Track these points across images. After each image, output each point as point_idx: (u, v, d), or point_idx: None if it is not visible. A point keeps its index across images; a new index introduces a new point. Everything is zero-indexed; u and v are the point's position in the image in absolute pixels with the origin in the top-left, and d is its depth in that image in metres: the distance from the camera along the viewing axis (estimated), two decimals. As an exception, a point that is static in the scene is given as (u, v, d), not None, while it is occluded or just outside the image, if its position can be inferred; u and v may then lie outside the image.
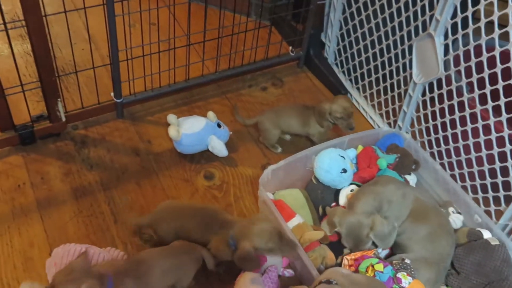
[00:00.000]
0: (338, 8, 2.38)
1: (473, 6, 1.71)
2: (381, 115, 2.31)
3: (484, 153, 1.81)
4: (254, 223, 1.53)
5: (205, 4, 2.08)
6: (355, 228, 1.64)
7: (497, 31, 1.63)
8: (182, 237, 1.58)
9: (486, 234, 1.71)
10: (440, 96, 1.95)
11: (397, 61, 2.11)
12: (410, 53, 2.02)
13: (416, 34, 1.97)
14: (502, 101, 1.68)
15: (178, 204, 1.69)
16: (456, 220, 1.81)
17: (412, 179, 1.99)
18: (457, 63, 1.84)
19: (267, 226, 1.52)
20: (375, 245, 1.65)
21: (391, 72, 2.17)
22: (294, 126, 2.10)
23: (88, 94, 2.22)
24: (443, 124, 1.96)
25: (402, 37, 2.05)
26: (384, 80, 2.22)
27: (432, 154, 2.04)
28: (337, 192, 1.91)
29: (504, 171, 1.77)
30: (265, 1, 2.60)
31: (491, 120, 1.74)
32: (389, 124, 2.26)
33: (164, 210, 1.63)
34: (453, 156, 1.96)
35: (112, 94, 2.15)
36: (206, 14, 2.12)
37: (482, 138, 1.79)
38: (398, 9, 2.03)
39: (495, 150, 1.76)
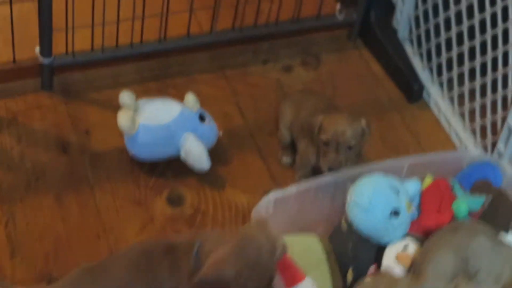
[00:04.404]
0: None
1: None
2: (473, 131, 2.27)
3: None
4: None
5: None
6: None
7: None
8: None
9: None
10: None
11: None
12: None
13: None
14: None
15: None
16: None
17: (511, 239, 1.94)
18: None
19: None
20: None
21: (495, 59, 2.12)
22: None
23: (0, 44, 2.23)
24: None
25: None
26: (484, 71, 2.18)
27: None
28: (380, 248, 1.87)
29: None
30: None
31: None
32: (485, 147, 2.22)
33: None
34: None
35: (37, 49, 2.15)
36: None
37: None
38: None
39: None
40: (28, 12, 2.20)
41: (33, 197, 1.96)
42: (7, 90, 2.19)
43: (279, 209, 1.85)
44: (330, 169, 1.95)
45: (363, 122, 1.98)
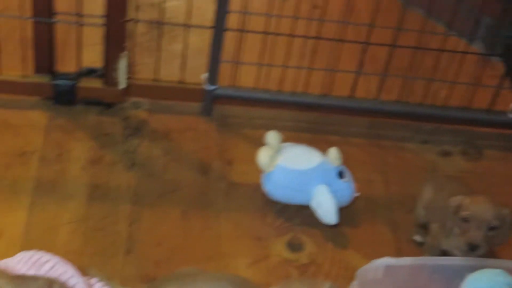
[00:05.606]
0: None
1: None
2: None
3: None
4: None
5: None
6: None
7: None
8: None
9: None
10: None
11: None
12: None
13: None
14: None
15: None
16: None
17: None
18: None
19: None
20: None
21: None
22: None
23: (174, 65, 2.35)
24: None
25: None
26: None
27: None
28: None
29: None
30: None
31: None
32: None
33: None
34: None
35: (203, 76, 2.27)
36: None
37: None
38: None
39: None
40: (199, 40, 2.32)
41: (163, 206, 2.05)
42: (169, 107, 2.33)
43: (388, 277, 1.81)
44: (470, 246, 1.86)
45: (507, 210, 1.90)
